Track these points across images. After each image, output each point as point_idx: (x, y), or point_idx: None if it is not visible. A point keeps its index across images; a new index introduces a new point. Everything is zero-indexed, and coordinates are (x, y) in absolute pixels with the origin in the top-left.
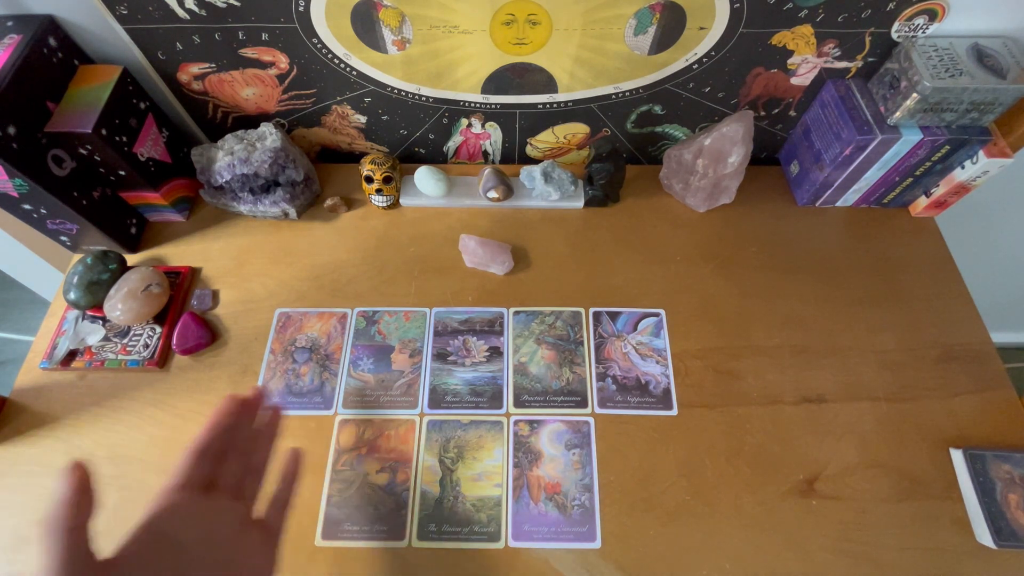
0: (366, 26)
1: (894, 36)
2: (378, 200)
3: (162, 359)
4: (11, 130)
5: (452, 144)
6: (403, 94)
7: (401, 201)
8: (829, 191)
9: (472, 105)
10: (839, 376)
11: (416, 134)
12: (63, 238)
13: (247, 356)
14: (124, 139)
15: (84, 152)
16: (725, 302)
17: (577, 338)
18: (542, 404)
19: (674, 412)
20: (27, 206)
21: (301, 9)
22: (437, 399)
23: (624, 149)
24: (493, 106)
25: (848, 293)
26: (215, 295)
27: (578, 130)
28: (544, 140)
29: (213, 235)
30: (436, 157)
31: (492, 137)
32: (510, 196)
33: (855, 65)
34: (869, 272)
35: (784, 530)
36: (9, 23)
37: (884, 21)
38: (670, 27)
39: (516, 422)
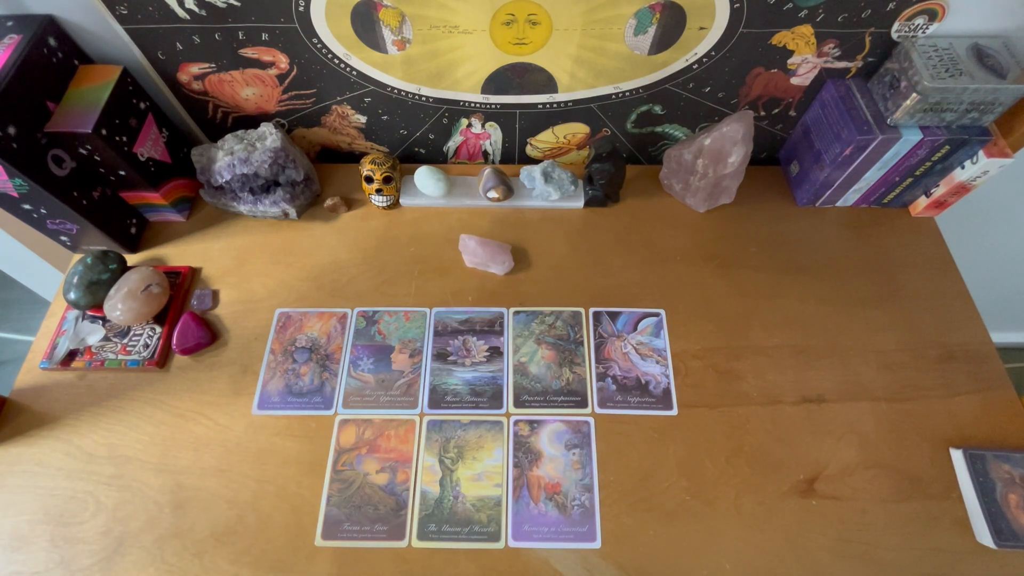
0: (366, 26)
1: (894, 36)
2: (378, 200)
3: (162, 359)
4: (11, 130)
5: (452, 144)
6: (403, 94)
7: (401, 201)
8: (829, 191)
9: (472, 105)
10: (839, 376)
11: (416, 134)
12: (63, 238)
13: (247, 356)
14: (124, 139)
15: (84, 152)
16: (725, 302)
17: (577, 338)
18: (542, 404)
19: (674, 412)
20: (27, 206)
21: (301, 9)
22: (437, 399)
23: (624, 149)
24: (493, 106)
25: (848, 293)
26: (215, 295)
27: (578, 130)
28: (544, 140)
29: (213, 235)
30: (436, 157)
31: (492, 137)
32: (510, 196)
33: (855, 65)
34: (869, 272)
35: (784, 530)
36: (9, 23)
37: (884, 21)
38: (670, 27)
39: (516, 422)
